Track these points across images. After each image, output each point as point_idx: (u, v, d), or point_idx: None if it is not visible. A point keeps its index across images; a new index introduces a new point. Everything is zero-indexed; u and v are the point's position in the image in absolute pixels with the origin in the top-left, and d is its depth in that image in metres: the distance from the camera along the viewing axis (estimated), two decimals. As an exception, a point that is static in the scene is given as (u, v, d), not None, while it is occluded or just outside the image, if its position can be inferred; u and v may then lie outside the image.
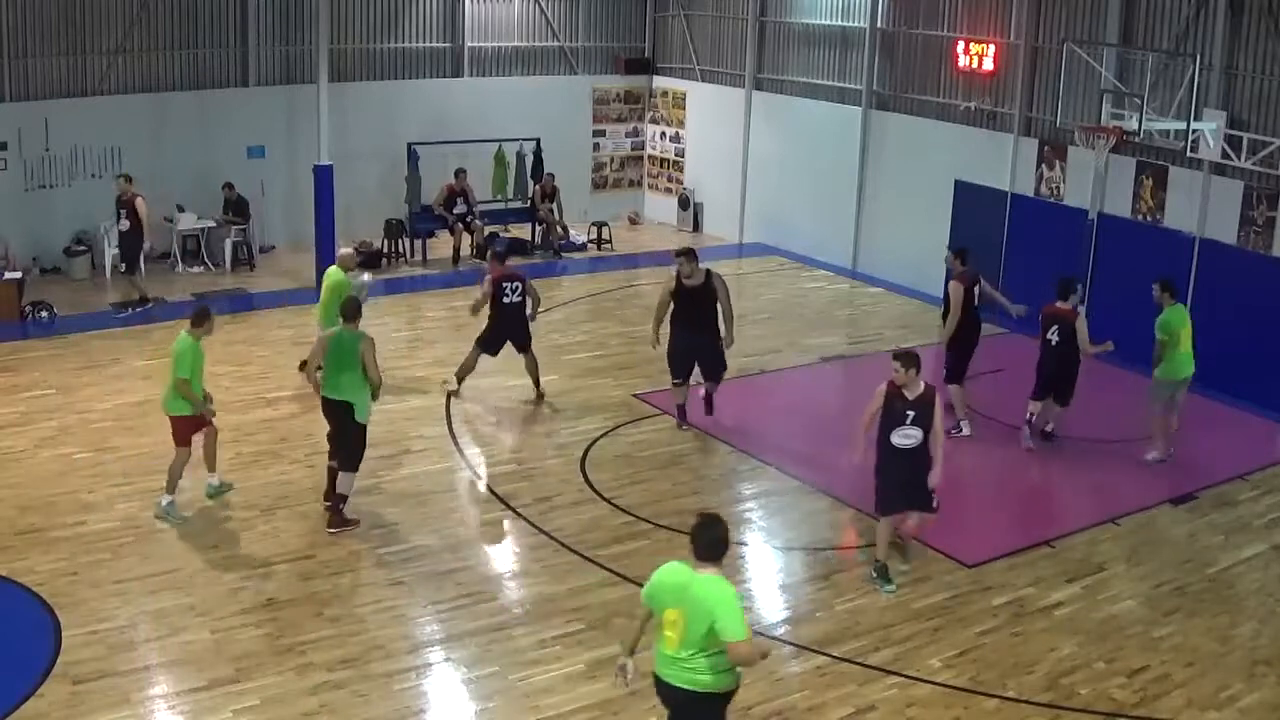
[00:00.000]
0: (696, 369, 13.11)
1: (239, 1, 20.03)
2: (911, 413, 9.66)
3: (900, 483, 9.82)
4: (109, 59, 19.04)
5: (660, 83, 24.33)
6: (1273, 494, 12.25)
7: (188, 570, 9.85)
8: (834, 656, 8.96)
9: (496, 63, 22.89)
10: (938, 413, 9.67)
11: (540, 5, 23.06)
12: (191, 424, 10.92)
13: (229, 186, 19.52)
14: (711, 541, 6.51)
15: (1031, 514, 11.78)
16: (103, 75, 19.04)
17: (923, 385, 9.70)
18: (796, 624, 9.48)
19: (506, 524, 11.17)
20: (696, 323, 12.80)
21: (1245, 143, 14.54)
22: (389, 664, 8.64)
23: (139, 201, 16.91)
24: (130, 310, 17.02)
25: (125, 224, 16.91)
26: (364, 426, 10.71)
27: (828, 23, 20.94)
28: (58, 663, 8.45)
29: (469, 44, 22.42)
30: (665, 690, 6.61)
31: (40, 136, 18.37)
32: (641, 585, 9.76)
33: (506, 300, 13.72)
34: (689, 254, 12.90)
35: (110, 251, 18.30)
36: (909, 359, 9.69)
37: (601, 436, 13.06)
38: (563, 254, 21.58)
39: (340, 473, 10.77)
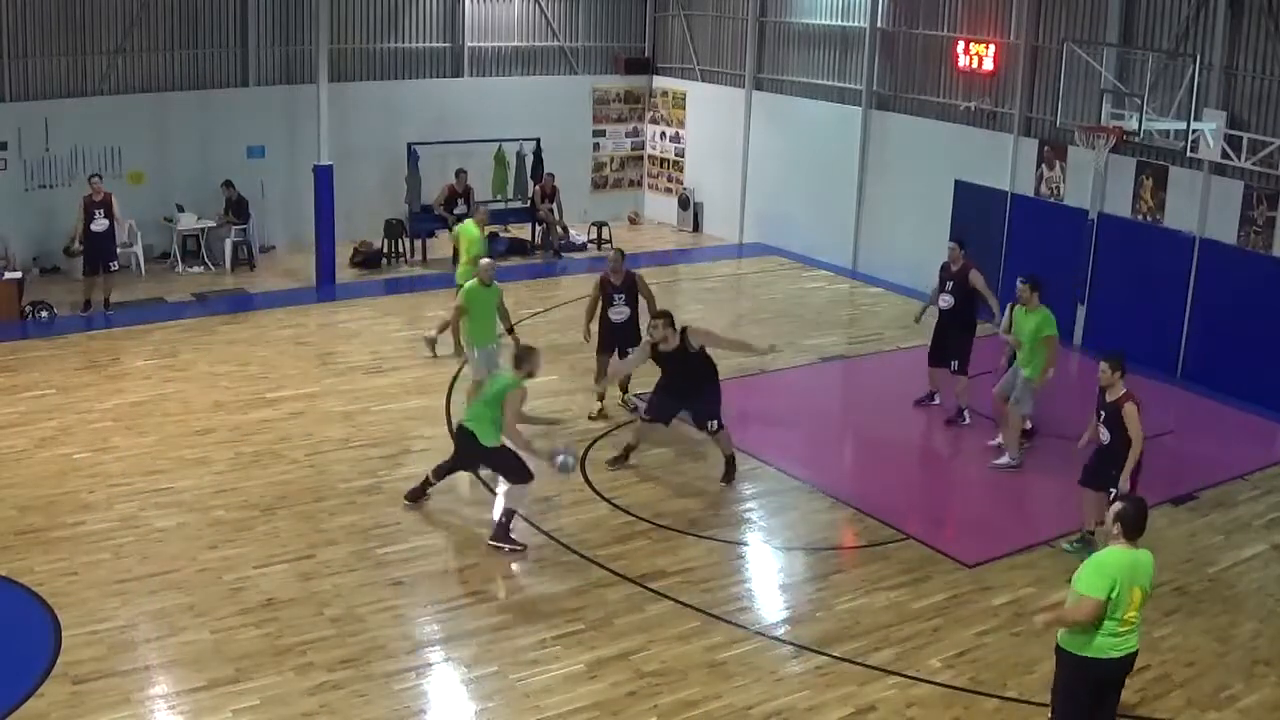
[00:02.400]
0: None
1: (239, 1, 20.02)
2: (1103, 413, 10.17)
3: (1090, 468, 10.49)
4: (109, 59, 19.03)
5: (660, 83, 24.32)
6: (1273, 494, 12.24)
7: (188, 570, 9.84)
8: (834, 656, 8.95)
9: (496, 63, 22.88)
10: (1130, 423, 9.91)
11: (540, 5, 23.05)
12: None
13: (228, 185, 19.51)
14: (1144, 519, 7.16)
15: (1032, 514, 11.76)
16: (103, 75, 19.03)
17: (1121, 392, 10.03)
18: (796, 624, 9.48)
19: (506, 524, 11.18)
20: (679, 389, 11.83)
21: (1245, 143, 14.54)
22: (389, 664, 8.64)
23: (114, 199, 16.94)
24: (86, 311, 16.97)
25: (104, 223, 16.82)
26: (497, 447, 10.40)
27: (828, 23, 20.93)
28: (58, 663, 8.44)
29: (469, 44, 22.40)
30: (1124, 664, 7.19)
31: (40, 136, 18.37)
32: (640, 585, 9.89)
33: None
34: (664, 318, 11.66)
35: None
36: (1113, 361, 10.11)
37: (601, 437, 13.05)
38: (563, 254, 21.57)
39: (511, 487, 10.62)
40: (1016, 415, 12.51)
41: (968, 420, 13.72)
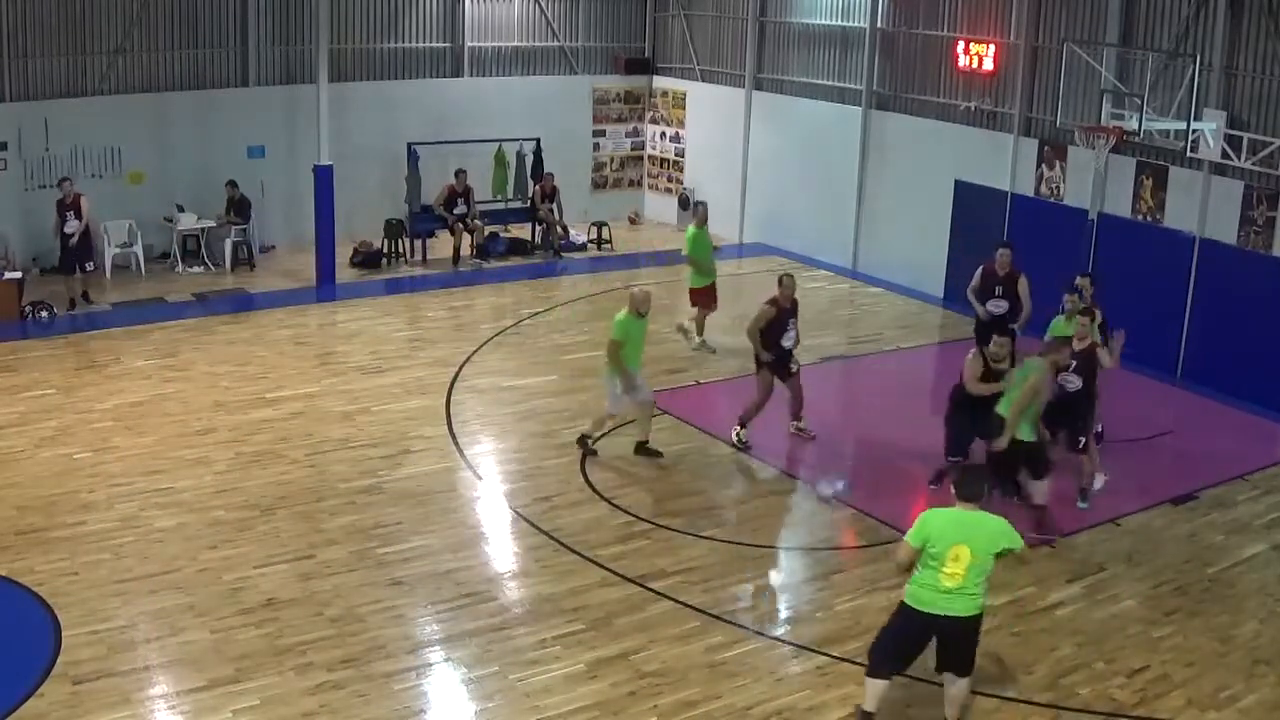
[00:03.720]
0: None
1: (239, 1, 20.02)
2: (1075, 362, 11.26)
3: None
4: (109, 59, 19.03)
5: (660, 83, 24.32)
6: (1273, 494, 12.24)
7: (188, 570, 9.84)
8: (834, 656, 8.96)
9: (496, 63, 22.89)
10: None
11: (540, 5, 23.05)
12: (702, 293, 15.89)
13: (232, 185, 19.51)
14: (972, 484, 7.52)
15: (1031, 513, 11.74)
16: (103, 75, 19.03)
17: (1088, 342, 11.36)
18: (796, 624, 9.49)
19: (506, 524, 11.18)
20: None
21: (1245, 143, 14.54)
22: (389, 664, 8.64)
23: (84, 200, 16.98)
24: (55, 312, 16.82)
25: (75, 224, 16.85)
26: (1029, 442, 10.65)
27: (828, 23, 20.93)
28: (58, 663, 8.44)
29: (469, 44, 22.41)
30: (944, 623, 7.46)
31: (40, 136, 18.37)
32: (640, 585, 9.89)
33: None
34: (1013, 337, 11.79)
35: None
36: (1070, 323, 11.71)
37: (601, 437, 13.05)
38: (563, 254, 21.57)
39: (1035, 483, 10.88)
40: None
41: None
